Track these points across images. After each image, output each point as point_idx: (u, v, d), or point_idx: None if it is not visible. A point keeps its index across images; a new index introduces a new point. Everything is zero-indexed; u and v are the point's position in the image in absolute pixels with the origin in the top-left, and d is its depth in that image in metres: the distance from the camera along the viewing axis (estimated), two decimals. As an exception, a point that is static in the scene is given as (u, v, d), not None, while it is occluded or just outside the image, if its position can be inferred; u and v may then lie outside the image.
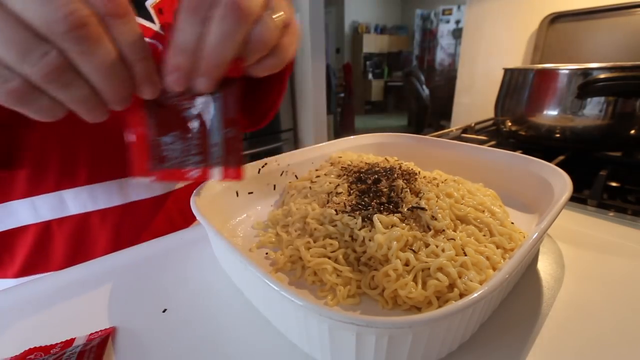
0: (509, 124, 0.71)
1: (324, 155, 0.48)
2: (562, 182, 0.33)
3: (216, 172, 0.24)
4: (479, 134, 0.80)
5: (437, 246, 0.26)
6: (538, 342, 0.22)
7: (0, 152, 0.32)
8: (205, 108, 0.22)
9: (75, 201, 0.36)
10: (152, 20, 0.41)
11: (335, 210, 0.31)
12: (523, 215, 0.38)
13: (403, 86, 3.78)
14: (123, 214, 0.39)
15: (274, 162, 0.43)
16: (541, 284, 0.28)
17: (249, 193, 0.40)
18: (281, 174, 0.44)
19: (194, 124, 0.23)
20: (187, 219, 0.46)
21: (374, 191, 0.32)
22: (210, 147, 0.23)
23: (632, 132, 0.55)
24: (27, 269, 0.36)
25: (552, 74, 0.61)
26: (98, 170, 0.36)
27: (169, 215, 0.44)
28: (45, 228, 0.35)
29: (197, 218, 0.28)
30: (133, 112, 0.22)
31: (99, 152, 0.36)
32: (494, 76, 0.79)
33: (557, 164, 0.38)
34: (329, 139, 0.53)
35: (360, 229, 0.28)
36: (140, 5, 0.39)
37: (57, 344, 0.23)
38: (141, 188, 0.40)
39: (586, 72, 0.56)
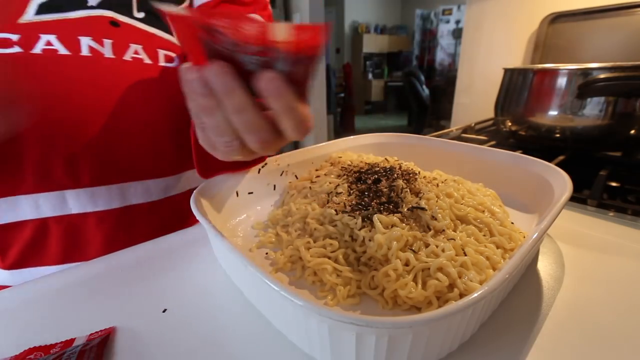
0: (509, 124, 0.71)
1: (324, 155, 0.48)
2: (562, 182, 0.33)
3: None
4: (479, 134, 0.80)
5: (437, 246, 0.26)
6: (538, 342, 0.22)
7: None
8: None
9: (76, 201, 0.37)
10: (170, 32, 0.42)
11: (335, 210, 0.31)
12: (523, 215, 0.38)
13: (403, 86, 3.78)
14: (120, 217, 0.39)
15: (274, 162, 0.43)
16: (541, 284, 0.28)
17: (249, 193, 0.40)
18: (281, 174, 0.44)
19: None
20: (182, 224, 0.46)
21: (374, 191, 0.32)
22: None
23: (632, 132, 0.55)
24: (20, 262, 0.37)
25: (552, 74, 0.61)
26: (101, 173, 0.37)
27: (164, 219, 0.44)
28: (43, 224, 0.36)
29: (197, 218, 0.28)
30: (195, 53, 0.21)
31: (104, 156, 0.37)
32: (494, 76, 0.79)
33: (557, 164, 0.38)
34: (329, 139, 0.53)
35: (360, 229, 0.28)
36: (161, 17, 0.40)
37: (57, 344, 0.23)
38: (140, 193, 0.40)
39: (586, 72, 0.56)
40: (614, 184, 0.52)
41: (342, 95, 4.14)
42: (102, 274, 0.31)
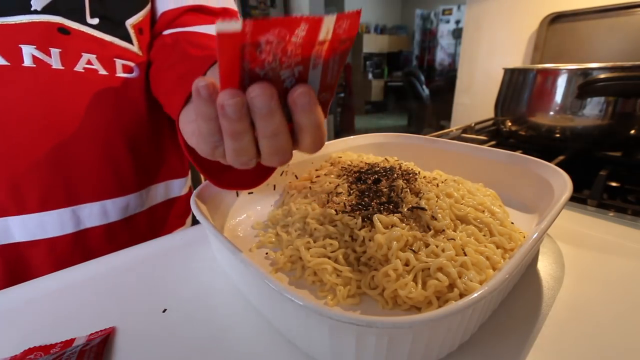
0: (509, 124, 0.71)
1: (324, 155, 0.48)
2: (562, 182, 0.33)
3: None
4: (479, 134, 0.80)
5: (437, 246, 0.26)
6: (538, 342, 0.22)
7: None
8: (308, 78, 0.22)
9: (21, 229, 0.34)
10: (130, 40, 0.39)
11: (335, 210, 0.31)
12: (523, 215, 0.38)
13: (403, 86, 3.78)
14: (73, 243, 0.37)
15: (274, 162, 0.43)
16: (541, 284, 0.28)
17: (249, 193, 0.40)
18: (281, 174, 0.44)
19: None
20: None
21: (374, 191, 0.32)
22: None
23: (632, 132, 0.55)
24: None
25: (552, 74, 0.61)
26: (51, 196, 0.34)
27: (123, 243, 0.40)
28: None
29: (197, 218, 0.28)
30: (231, 75, 0.20)
31: (53, 178, 0.34)
32: (494, 76, 0.79)
33: (557, 164, 0.38)
34: (329, 139, 0.53)
35: (360, 229, 0.28)
36: (119, 24, 0.38)
37: (57, 343, 0.23)
38: (96, 215, 0.38)
39: (586, 72, 0.56)
40: (614, 184, 0.52)
41: (342, 95, 4.14)
42: (102, 274, 0.31)
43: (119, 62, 0.38)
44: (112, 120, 0.38)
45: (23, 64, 0.32)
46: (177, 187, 0.49)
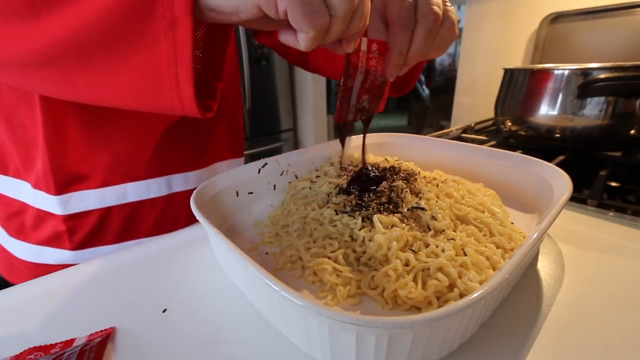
0: (509, 124, 0.71)
1: (324, 155, 0.48)
2: (562, 182, 0.33)
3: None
4: (479, 134, 0.80)
5: (437, 246, 0.26)
6: (538, 342, 0.22)
7: None
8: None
9: (134, 192, 0.44)
10: None
11: (335, 211, 0.31)
12: (523, 215, 0.38)
13: (403, 86, 3.77)
14: (166, 202, 0.47)
15: (274, 162, 0.43)
16: (541, 284, 0.28)
17: (249, 193, 0.40)
18: (281, 174, 0.44)
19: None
20: None
21: (374, 191, 0.32)
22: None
23: (632, 132, 0.55)
24: (84, 244, 0.43)
25: (552, 74, 0.61)
26: (152, 169, 0.45)
27: None
28: (107, 212, 0.43)
29: (197, 218, 0.28)
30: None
31: (155, 156, 0.44)
32: (494, 76, 0.79)
33: (557, 164, 0.38)
34: (329, 139, 0.53)
35: (360, 229, 0.28)
36: None
37: (57, 343, 0.23)
38: (181, 183, 0.48)
39: (586, 72, 0.56)
40: (614, 184, 0.52)
41: (342, 95, 4.14)
42: (102, 274, 0.31)
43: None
44: None
45: None
46: (235, 166, 0.59)
